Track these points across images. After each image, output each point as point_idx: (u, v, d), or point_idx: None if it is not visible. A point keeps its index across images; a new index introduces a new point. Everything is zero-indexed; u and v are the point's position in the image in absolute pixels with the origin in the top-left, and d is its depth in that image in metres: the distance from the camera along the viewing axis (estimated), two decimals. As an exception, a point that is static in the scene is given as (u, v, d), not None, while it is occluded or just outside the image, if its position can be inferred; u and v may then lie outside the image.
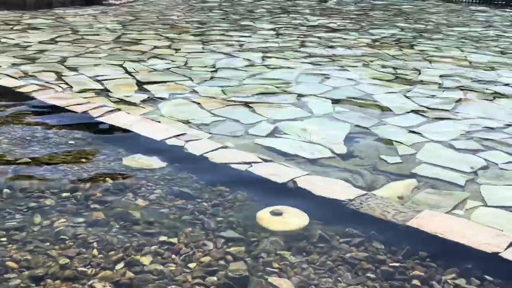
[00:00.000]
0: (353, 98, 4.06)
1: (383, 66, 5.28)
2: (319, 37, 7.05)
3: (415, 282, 1.81)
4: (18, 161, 2.61)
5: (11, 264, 1.80)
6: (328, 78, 4.70)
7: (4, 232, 1.98)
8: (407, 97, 4.14)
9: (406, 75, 4.93)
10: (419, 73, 5.02)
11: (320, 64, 5.27)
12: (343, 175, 2.61)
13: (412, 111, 3.77)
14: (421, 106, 3.90)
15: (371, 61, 5.51)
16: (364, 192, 2.34)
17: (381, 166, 2.76)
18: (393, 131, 3.32)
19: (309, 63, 5.33)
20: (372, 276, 1.83)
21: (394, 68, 5.20)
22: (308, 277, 1.81)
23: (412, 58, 5.77)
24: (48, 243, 1.93)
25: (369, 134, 3.25)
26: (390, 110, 3.76)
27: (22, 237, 1.95)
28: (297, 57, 5.60)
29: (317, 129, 3.29)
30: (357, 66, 5.24)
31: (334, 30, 7.79)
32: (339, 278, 1.81)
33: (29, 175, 2.46)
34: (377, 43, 6.73)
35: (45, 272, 1.76)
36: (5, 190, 2.30)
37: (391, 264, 1.89)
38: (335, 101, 3.94)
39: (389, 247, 1.98)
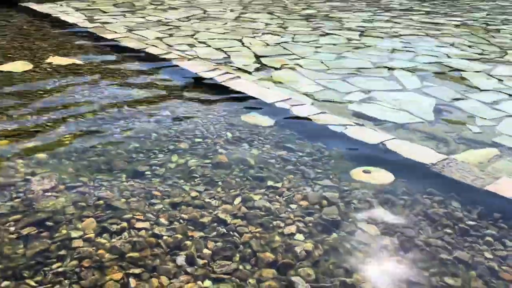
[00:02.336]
0: (441, 74, 3.81)
1: (470, 46, 4.87)
2: (410, 19, 6.63)
3: (488, 238, 1.72)
4: (159, 114, 2.78)
5: (156, 193, 1.96)
6: (418, 55, 4.43)
7: (148, 167, 2.14)
8: (492, 75, 3.80)
9: (493, 55, 4.52)
10: (506, 54, 4.57)
11: (411, 43, 4.98)
12: (428, 141, 2.49)
13: (495, 88, 3.46)
14: (506, 86, 3.57)
15: (460, 43, 5.10)
16: (446, 157, 2.23)
17: (464, 135, 2.59)
18: (476, 106, 3.09)
19: (400, 42, 5.05)
20: (449, 231, 1.76)
21: (482, 49, 4.77)
22: (393, 225, 1.79)
23: (499, 40, 5.26)
24: (182, 180, 2.06)
25: (454, 107, 3.06)
26: (476, 88, 3.49)
27: (163, 173, 2.11)
28: (390, 37, 5.33)
29: (406, 100, 3.15)
30: (446, 46, 4.88)
31: (425, 13, 7.28)
32: (420, 231, 1.77)
33: (168, 125, 2.62)
34: (465, 26, 6.20)
35: (180, 201, 1.90)
36: (153, 134, 2.49)
37: (467, 222, 1.81)
38: (424, 76, 3.72)
39: (465, 206, 1.89)
